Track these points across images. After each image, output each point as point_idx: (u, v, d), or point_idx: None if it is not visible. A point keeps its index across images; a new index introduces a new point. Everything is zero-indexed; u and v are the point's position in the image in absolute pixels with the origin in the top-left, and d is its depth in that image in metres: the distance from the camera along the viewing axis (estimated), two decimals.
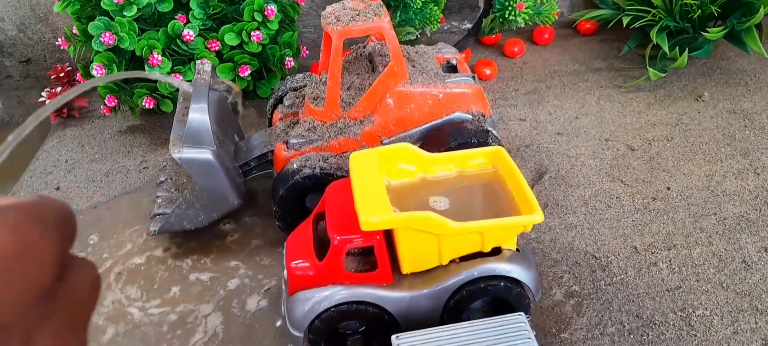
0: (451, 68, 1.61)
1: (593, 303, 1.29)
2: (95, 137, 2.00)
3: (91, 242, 1.56)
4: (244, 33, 1.85)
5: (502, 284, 1.15)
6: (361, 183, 1.15)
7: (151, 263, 1.48)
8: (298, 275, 1.18)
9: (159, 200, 1.61)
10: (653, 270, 1.36)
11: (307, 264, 1.19)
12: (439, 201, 1.19)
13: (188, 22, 1.84)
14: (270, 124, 1.73)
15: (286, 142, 1.49)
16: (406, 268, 1.16)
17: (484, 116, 1.49)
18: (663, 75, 1.91)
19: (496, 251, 1.17)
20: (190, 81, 1.80)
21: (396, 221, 1.08)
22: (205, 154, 1.39)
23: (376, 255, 1.13)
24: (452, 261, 1.16)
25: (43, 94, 2.08)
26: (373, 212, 1.08)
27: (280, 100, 1.70)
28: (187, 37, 1.80)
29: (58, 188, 1.78)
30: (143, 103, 1.86)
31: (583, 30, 2.29)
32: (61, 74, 2.19)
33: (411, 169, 1.27)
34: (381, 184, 1.15)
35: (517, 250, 1.19)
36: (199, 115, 1.40)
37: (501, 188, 1.23)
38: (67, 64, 2.21)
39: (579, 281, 1.35)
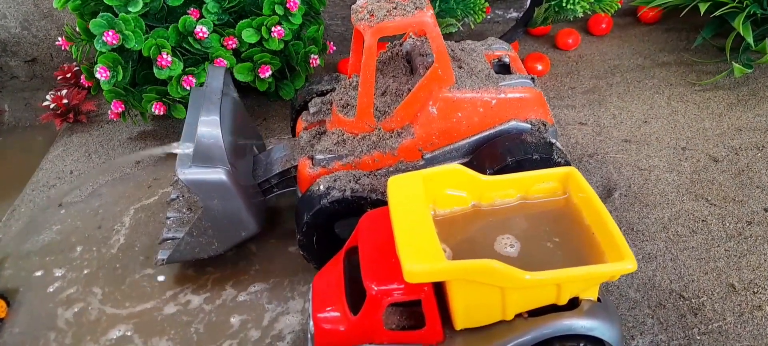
0: (504, 67, 1.38)
1: None
2: (103, 145, 1.82)
3: (90, 282, 1.37)
4: (263, 29, 1.64)
5: (581, 344, 0.92)
6: (403, 218, 0.93)
7: (153, 302, 1.29)
8: (326, 329, 0.97)
9: (169, 222, 1.41)
10: (758, 316, 1.11)
11: (337, 315, 0.98)
12: (508, 244, 0.96)
13: (201, 17, 1.64)
14: (293, 133, 1.52)
15: (312, 158, 1.28)
16: (460, 323, 0.94)
17: (545, 125, 1.26)
18: (749, 70, 1.64)
19: (573, 302, 0.94)
20: (202, 84, 1.61)
21: (450, 271, 0.86)
22: (217, 174, 1.19)
23: (424, 310, 0.91)
24: (518, 315, 0.94)
25: (48, 97, 1.91)
26: (419, 258, 0.86)
27: (304, 106, 1.48)
28: (201, 34, 1.60)
29: (59, 205, 1.60)
30: (153, 109, 1.66)
31: (645, 18, 2.02)
32: (68, 75, 2.01)
33: (461, 196, 1.05)
34: (428, 219, 0.93)
35: (599, 300, 0.96)
36: (209, 129, 1.19)
37: (576, 221, 1.00)
38: (74, 63, 2.03)
39: (666, 328, 1.11)
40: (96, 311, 1.28)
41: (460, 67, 1.27)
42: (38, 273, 1.39)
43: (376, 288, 0.91)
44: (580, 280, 0.89)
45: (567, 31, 1.95)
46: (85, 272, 1.37)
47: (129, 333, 1.22)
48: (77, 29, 1.65)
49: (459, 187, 1.04)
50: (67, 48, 1.70)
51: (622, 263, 0.87)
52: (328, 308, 0.98)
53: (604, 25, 1.99)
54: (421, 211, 0.94)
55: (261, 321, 1.21)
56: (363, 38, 1.18)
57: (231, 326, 1.21)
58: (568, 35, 1.94)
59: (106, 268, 1.38)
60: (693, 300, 1.15)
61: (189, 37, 1.60)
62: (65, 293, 1.33)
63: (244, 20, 1.64)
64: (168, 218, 1.42)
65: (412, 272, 0.85)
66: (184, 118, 1.70)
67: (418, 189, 0.99)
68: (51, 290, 1.35)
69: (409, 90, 1.23)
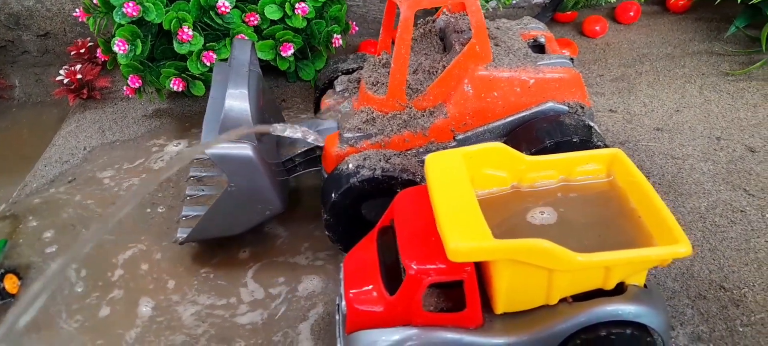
0: (539, 48, 1.33)
1: None
2: (117, 122, 1.78)
3: (105, 257, 1.33)
4: (287, 5, 1.59)
5: (628, 331, 0.88)
6: (445, 195, 0.89)
7: (161, 281, 1.25)
8: (360, 309, 0.93)
9: (188, 199, 1.37)
10: None
11: (373, 295, 0.93)
12: (543, 212, 0.92)
13: None
14: (317, 112, 1.47)
15: (339, 136, 1.23)
16: (501, 307, 0.90)
17: (582, 108, 1.22)
18: None
19: (619, 289, 0.90)
20: (223, 60, 1.56)
21: (498, 250, 0.82)
22: (244, 150, 1.14)
23: (466, 291, 0.87)
24: (563, 300, 0.90)
25: (62, 72, 1.86)
26: (465, 236, 0.82)
27: (328, 85, 1.44)
28: (222, 8, 1.55)
29: (71, 181, 1.56)
30: (171, 85, 1.62)
31: (674, 8, 1.98)
32: (82, 50, 1.97)
33: (501, 176, 1.01)
34: (471, 196, 0.89)
35: (645, 286, 0.92)
36: (237, 102, 1.15)
37: (621, 204, 0.96)
38: (88, 39, 1.99)
39: (707, 319, 1.07)
40: (111, 286, 1.24)
41: (497, 45, 1.23)
42: (50, 249, 1.35)
43: (415, 267, 0.87)
44: (632, 263, 0.85)
45: (594, 18, 1.90)
46: (100, 247, 1.33)
47: (146, 309, 1.18)
48: (95, 0, 1.61)
49: (499, 167, 1.00)
50: (84, 20, 1.65)
51: (676, 246, 0.83)
52: (363, 288, 0.94)
53: (632, 13, 1.94)
54: (464, 188, 0.90)
55: (288, 302, 1.17)
56: (395, 13, 1.14)
57: (253, 310, 1.17)
58: (596, 22, 1.89)
59: (121, 244, 1.34)
60: (734, 291, 1.12)
61: (210, 12, 1.56)
62: (79, 269, 1.29)
63: None
64: (187, 195, 1.38)
65: (457, 251, 0.81)
66: (203, 95, 1.66)
67: (459, 166, 0.95)
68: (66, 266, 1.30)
69: (444, 67, 1.19)
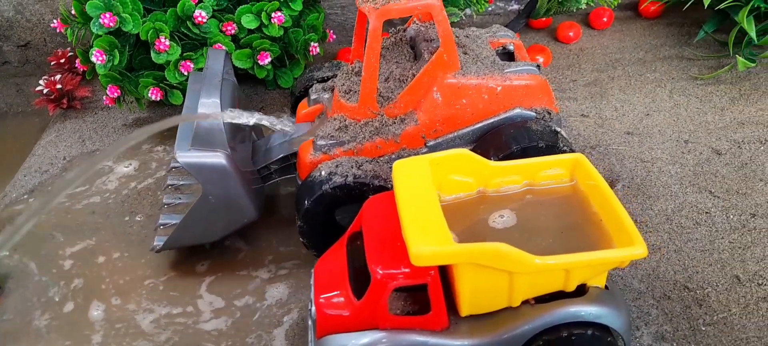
0: (508, 55, 1.36)
1: None
2: (97, 132, 1.79)
3: (83, 267, 1.34)
4: (263, 14, 1.61)
5: (589, 332, 0.91)
6: (410, 201, 0.91)
7: (144, 287, 1.26)
8: (329, 314, 0.95)
9: (165, 207, 1.38)
10: (763, 307, 1.11)
11: (341, 300, 0.95)
12: (502, 216, 0.95)
13: (200, 1, 1.61)
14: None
15: (313, 144, 1.25)
16: (465, 309, 0.92)
17: (550, 114, 1.24)
18: (752, 65, 1.64)
19: (580, 290, 0.93)
20: (200, 69, 1.58)
21: (458, 254, 0.84)
22: (217, 158, 1.16)
23: (430, 295, 0.89)
24: (525, 302, 0.92)
25: (41, 82, 1.87)
26: (427, 240, 0.84)
27: (304, 93, 1.46)
28: (199, 18, 1.57)
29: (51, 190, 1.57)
30: (149, 95, 1.63)
31: (646, 13, 2.01)
32: (62, 60, 1.97)
33: (467, 182, 1.03)
34: (435, 202, 0.91)
35: (606, 287, 0.94)
36: (210, 111, 1.16)
37: (583, 207, 0.99)
38: (68, 49, 2.00)
39: (670, 319, 1.10)
40: (86, 296, 1.25)
41: (465, 53, 1.25)
42: (30, 260, 1.35)
43: (381, 272, 0.89)
44: (590, 265, 0.87)
45: (568, 24, 1.94)
46: (79, 256, 1.34)
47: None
48: (73, 11, 1.62)
49: (465, 172, 1.02)
50: (62, 31, 1.66)
51: (632, 248, 0.85)
52: (331, 293, 0.96)
53: (605, 19, 1.98)
54: (428, 194, 0.92)
55: (258, 309, 1.19)
56: (366, 22, 1.16)
57: (230, 317, 1.19)
58: (570, 28, 1.93)
59: (99, 253, 1.35)
60: (698, 291, 1.14)
61: (187, 22, 1.57)
62: (56, 278, 1.30)
63: (243, 6, 1.62)
64: (164, 204, 1.39)
65: (419, 255, 0.83)
66: (181, 104, 1.68)
67: (424, 172, 0.97)
68: (42, 275, 1.31)
69: (414, 76, 1.21)
